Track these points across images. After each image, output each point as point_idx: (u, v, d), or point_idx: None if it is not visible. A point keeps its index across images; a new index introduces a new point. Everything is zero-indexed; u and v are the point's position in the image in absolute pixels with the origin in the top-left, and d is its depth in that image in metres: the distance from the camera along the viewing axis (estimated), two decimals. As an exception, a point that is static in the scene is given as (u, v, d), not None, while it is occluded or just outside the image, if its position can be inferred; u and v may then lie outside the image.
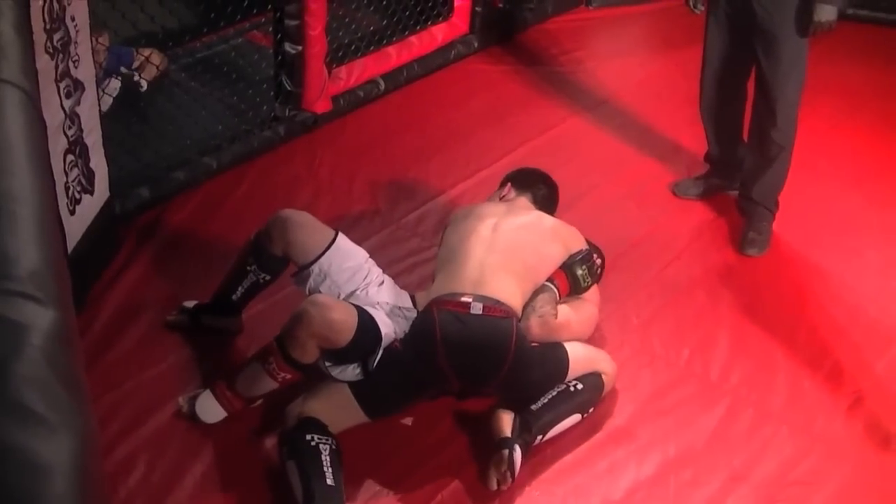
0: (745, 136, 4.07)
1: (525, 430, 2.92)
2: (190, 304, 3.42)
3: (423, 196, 4.22)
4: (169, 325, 3.40)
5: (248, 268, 3.21)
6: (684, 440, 3.09)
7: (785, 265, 3.93)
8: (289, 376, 2.88)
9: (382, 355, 2.90)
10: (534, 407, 2.98)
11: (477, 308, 2.95)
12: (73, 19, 3.13)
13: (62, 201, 3.13)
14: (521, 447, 2.88)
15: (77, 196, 3.29)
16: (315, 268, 3.08)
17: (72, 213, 3.24)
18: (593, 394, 3.10)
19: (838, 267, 3.92)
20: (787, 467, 3.01)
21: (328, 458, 2.76)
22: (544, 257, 3.20)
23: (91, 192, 3.41)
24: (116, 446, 2.91)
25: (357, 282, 3.08)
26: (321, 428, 2.85)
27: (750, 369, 3.38)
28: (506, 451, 2.84)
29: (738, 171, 4.13)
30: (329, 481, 2.72)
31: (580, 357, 3.13)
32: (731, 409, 3.21)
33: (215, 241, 3.83)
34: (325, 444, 2.80)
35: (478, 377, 3.00)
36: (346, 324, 2.80)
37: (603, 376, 3.13)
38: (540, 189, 3.52)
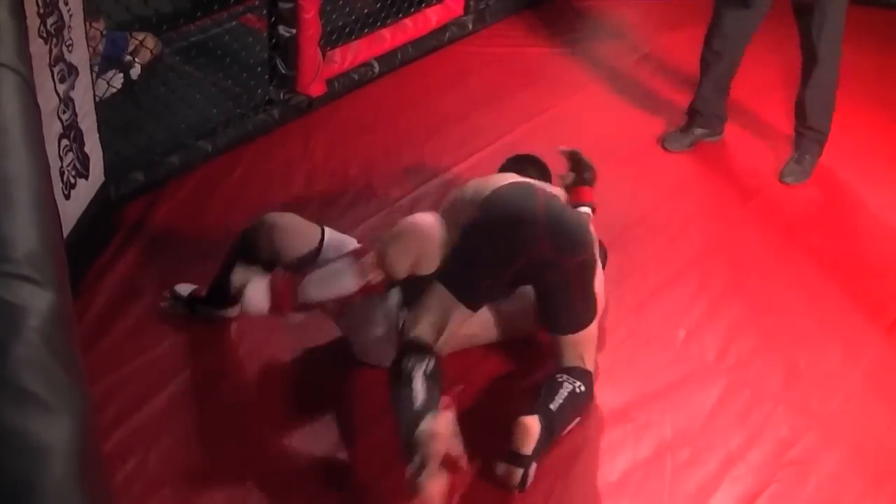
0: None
1: (548, 436, 2.88)
2: (183, 289, 3.40)
3: (419, 178, 4.21)
4: (164, 312, 3.40)
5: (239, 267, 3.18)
6: (680, 421, 3.10)
7: (780, 248, 3.93)
8: (375, 280, 2.93)
9: (467, 231, 2.96)
10: (552, 406, 2.94)
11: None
12: (66, 4, 3.12)
13: (57, 186, 3.12)
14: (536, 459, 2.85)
15: (72, 181, 3.28)
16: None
17: (67, 197, 3.23)
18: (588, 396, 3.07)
19: (836, 247, 3.93)
20: (783, 448, 3.02)
21: (419, 382, 2.77)
22: None
23: (86, 177, 3.41)
24: (113, 431, 2.91)
25: None
26: (420, 350, 2.86)
27: (746, 350, 3.39)
28: (520, 471, 2.81)
29: (722, 120, 4.46)
30: (417, 405, 2.71)
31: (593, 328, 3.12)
32: (727, 390, 3.22)
33: (210, 225, 3.82)
34: (419, 366, 2.80)
35: (568, 246, 2.98)
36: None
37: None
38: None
